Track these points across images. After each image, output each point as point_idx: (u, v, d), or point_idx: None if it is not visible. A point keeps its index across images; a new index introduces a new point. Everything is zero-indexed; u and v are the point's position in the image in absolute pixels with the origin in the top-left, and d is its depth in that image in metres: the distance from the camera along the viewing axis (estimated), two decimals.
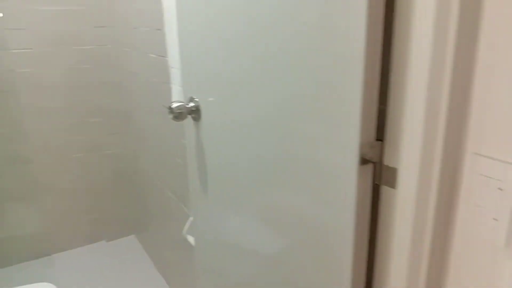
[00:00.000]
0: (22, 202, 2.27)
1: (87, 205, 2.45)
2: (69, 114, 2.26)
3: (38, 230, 2.34)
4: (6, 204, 2.22)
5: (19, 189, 2.24)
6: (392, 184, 0.68)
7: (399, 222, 0.68)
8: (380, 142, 0.69)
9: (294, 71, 0.76)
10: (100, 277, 2.23)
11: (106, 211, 2.51)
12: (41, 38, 2.09)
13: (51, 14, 2.08)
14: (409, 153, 0.64)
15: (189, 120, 1.11)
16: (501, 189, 0.59)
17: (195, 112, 1.08)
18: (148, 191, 2.20)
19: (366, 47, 0.62)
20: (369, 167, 0.70)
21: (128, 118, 2.27)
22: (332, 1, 0.66)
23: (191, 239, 1.50)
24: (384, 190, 0.70)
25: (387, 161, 0.69)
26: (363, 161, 0.69)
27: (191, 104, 1.08)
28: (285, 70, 0.78)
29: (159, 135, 1.85)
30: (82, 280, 2.20)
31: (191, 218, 1.49)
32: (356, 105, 0.65)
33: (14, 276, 2.22)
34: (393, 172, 0.68)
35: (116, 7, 2.06)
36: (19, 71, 2.07)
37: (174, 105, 1.04)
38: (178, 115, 1.05)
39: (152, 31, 1.67)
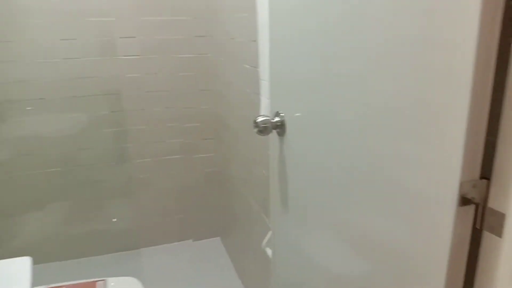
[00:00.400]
0: (120, 197, 2.48)
1: (178, 204, 2.58)
2: (169, 118, 2.41)
3: (131, 224, 2.53)
4: (106, 198, 2.43)
5: (118, 185, 2.45)
6: (498, 231, 0.58)
7: (503, 275, 0.57)
8: (485, 180, 0.59)
9: (390, 86, 0.69)
10: (182, 274, 2.32)
11: (195, 211, 2.62)
12: (148, 46, 2.25)
13: (158, 24, 2.23)
14: None
15: (274, 134, 1.09)
16: None
17: (280, 127, 1.05)
18: (234, 197, 2.24)
19: (476, 64, 0.53)
20: (470, 209, 0.60)
21: (222, 125, 2.34)
22: (439, 12, 0.58)
23: (269, 252, 1.47)
24: (487, 236, 0.60)
25: (492, 204, 0.58)
26: (464, 201, 0.59)
27: (277, 119, 1.05)
28: (380, 86, 0.71)
29: (248, 144, 1.87)
30: (165, 276, 2.31)
31: (270, 232, 1.47)
32: (459, 134, 0.56)
33: (104, 264, 2.42)
34: (499, 217, 0.57)
35: (216, 18, 2.14)
36: (126, 76, 2.26)
37: (259, 119, 1.03)
38: (263, 129, 1.03)
39: (247, 42, 1.69)
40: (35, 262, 1.18)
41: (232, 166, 2.22)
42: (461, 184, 0.58)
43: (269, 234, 1.49)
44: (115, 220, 2.48)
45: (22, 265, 1.11)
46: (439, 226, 0.61)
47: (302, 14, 0.92)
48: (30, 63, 2.10)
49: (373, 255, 0.79)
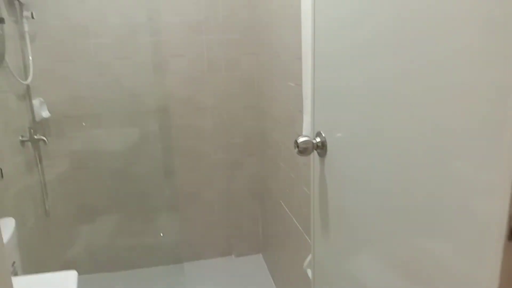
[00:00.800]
0: (167, 210, 2.54)
1: (222, 219, 2.60)
2: (216, 134, 2.46)
3: (176, 238, 2.58)
4: (154, 211, 2.51)
5: (166, 199, 2.51)
6: None
7: None
8: None
9: (444, 107, 0.66)
10: None
11: (239, 227, 2.63)
12: (197, 64, 2.32)
13: (207, 42, 2.30)
14: None
15: (314, 154, 1.07)
16: None
17: (321, 148, 1.03)
18: (277, 214, 2.23)
19: None
20: None
21: (266, 141, 2.35)
22: (501, 25, 0.55)
23: (310, 273, 1.44)
24: None
25: None
26: None
27: (318, 139, 1.04)
28: (433, 106, 0.68)
29: (290, 161, 1.86)
30: None
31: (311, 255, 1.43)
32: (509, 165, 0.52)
33: (149, 277, 2.48)
34: None
35: (264, 36, 2.17)
36: (175, 93, 2.34)
37: (300, 139, 1.02)
38: (304, 150, 1.02)
39: (292, 60, 1.69)
40: (83, 272, 1.23)
41: (275, 183, 2.22)
42: (510, 218, 0.53)
43: (310, 255, 1.45)
44: (162, 234, 2.54)
45: (68, 279, 1.17)
46: (490, 257, 0.57)
47: (348, 30, 0.91)
48: (87, 81, 2.23)
49: (419, 282, 0.75)
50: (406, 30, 0.71)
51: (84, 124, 2.28)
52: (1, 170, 1.65)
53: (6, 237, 1.41)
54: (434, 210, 0.68)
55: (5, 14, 1.82)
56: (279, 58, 1.91)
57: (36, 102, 2.09)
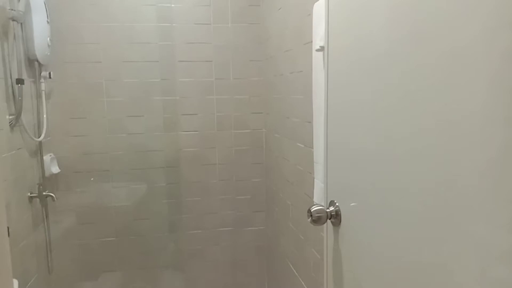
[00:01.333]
0: (171, 268, 2.48)
1: (228, 278, 2.53)
2: (223, 190, 2.45)
3: None
4: (158, 268, 2.45)
5: (170, 256, 2.46)
6: None
7: None
8: None
9: (460, 169, 0.66)
10: None
11: (245, 285, 2.55)
12: (207, 122, 2.37)
13: (217, 102, 2.36)
14: None
15: (328, 223, 1.06)
16: None
17: (335, 217, 1.03)
18: (284, 275, 2.16)
19: None
20: None
21: (273, 199, 2.33)
22: None
23: None
24: None
25: None
26: None
27: (331, 208, 1.03)
28: (448, 170, 0.68)
29: (298, 221, 1.83)
30: None
31: None
32: None
33: None
34: None
35: (273, 97, 2.23)
36: (185, 150, 2.37)
37: (314, 208, 1.01)
38: (317, 219, 1.01)
39: (302, 122, 1.72)
40: None
41: (283, 242, 2.17)
42: None
43: None
44: None
45: None
46: None
47: (360, 96, 0.93)
48: (98, 137, 2.27)
49: None
50: (422, 91, 0.72)
51: (92, 179, 2.29)
52: (8, 228, 1.64)
53: None
54: (454, 283, 0.66)
55: (24, 75, 1.88)
56: (288, 119, 1.95)
57: (47, 158, 2.11)
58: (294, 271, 1.94)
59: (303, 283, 1.81)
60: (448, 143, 0.66)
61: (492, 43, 0.57)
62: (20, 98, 1.77)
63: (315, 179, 1.40)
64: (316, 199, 1.38)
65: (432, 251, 0.71)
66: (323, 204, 1.09)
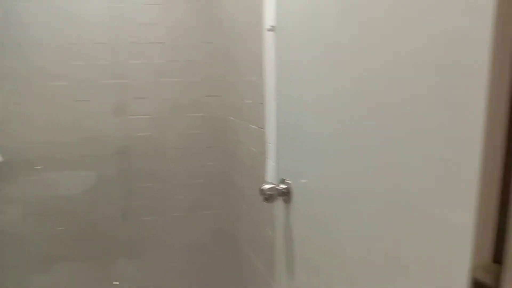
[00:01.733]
0: (125, 256, 2.43)
1: (183, 263, 2.52)
2: (177, 175, 2.41)
3: (135, 285, 2.46)
4: (114, 257, 2.39)
5: (124, 244, 2.41)
6: None
7: None
8: (499, 265, 0.56)
9: (397, 162, 0.68)
10: None
11: (201, 271, 2.55)
12: (160, 105, 2.31)
13: (170, 84, 2.31)
14: None
15: (279, 201, 1.08)
16: None
17: (286, 194, 1.04)
18: (240, 257, 2.18)
19: (482, 153, 0.52)
20: None
21: (228, 182, 2.34)
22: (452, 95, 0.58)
23: None
24: None
25: None
26: (477, 286, 0.56)
27: (282, 186, 1.05)
28: (390, 157, 0.71)
29: (253, 202, 1.85)
30: None
31: None
32: (469, 215, 0.55)
33: None
34: None
35: (227, 79, 2.21)
36: (136, 135, 2.31)
37: (265, 187, 1.02)
38: (269, 197, 1.02)
39: (255, 104, 1.73)
40: None
41: (238, 224, 2.19)
42: (473, 269, 0.55)
43: None
44: (116, 283, 2.41)
45: None
46: None
47: (311, 77, 0.94)
48: (43, 124, 2.15)
49: None
50: (372, 82, 0.74)
51: (38, 167, 2.18)
52: None
53: None
54: (400, 258, 0.69)
55: None
56: (242, 101, 1.94)
57: None
58: (251, 252, 1.97)
59: (258, 262, 1.84)
60: (394, 127, 0.68)
61: (435, 37, 0.59)
62: None
63: (267, 159, 1.41)
64: (269, 178, 1.40)
65: (375, 226, 0.74)
66: (275, 183, 1.11)
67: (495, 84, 0.51)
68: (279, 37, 1.09)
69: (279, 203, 1.09)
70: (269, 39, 1.35)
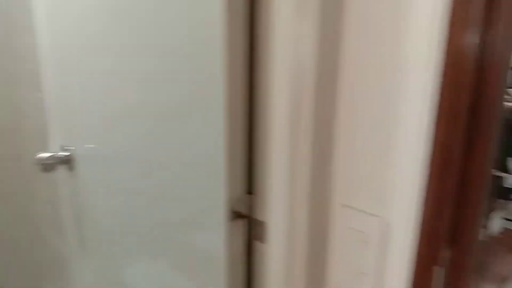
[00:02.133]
0: None
1: None
2: None
3: None
4: None
5: None
6: (262, 238, 0.64)
7: (270, 279, 0.64)
8: (251, 195, 0.65)
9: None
10: None
11: None
12: None
13: None
14: (276, 206, 0.61)
15: (62, 169, 1.00)
16: (366, 242, 0.58)
17: (68, 162, 0.97)
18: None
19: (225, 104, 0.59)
20: (241, 222, 0.66)
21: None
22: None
23: None
24: (255, 245, 0.66)
25: (257, 215, 0.65)
26: (234, 215, 0.64)
27: (63, 154, 0.97)
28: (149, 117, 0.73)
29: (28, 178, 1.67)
30: None
31: None
32: (219, 153, 0.61)
33: None
34: (262, 226, 0.64)
35: None
36: None
37: (42, 155, 0.93)
38: (48, 166, 0.93)
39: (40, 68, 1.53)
40: None
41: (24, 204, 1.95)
42: (230, 200, 0.63)
43: None
44: None
45: None
46: (216, 243, 0.65)
47: (77, 37, 0.88)
48: None
49: (163, 268, 0.80)
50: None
51: None
52: None
53: None
54: (172, 208, 0.74)
55: None
56: (24, 66, 1.69)
57: None
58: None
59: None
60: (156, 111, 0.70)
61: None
62: None
63: (50, 127, 1.28)
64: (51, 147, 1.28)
65: (148, 186, 0.77)
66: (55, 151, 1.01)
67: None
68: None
69: (62, 172, 1.01)
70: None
